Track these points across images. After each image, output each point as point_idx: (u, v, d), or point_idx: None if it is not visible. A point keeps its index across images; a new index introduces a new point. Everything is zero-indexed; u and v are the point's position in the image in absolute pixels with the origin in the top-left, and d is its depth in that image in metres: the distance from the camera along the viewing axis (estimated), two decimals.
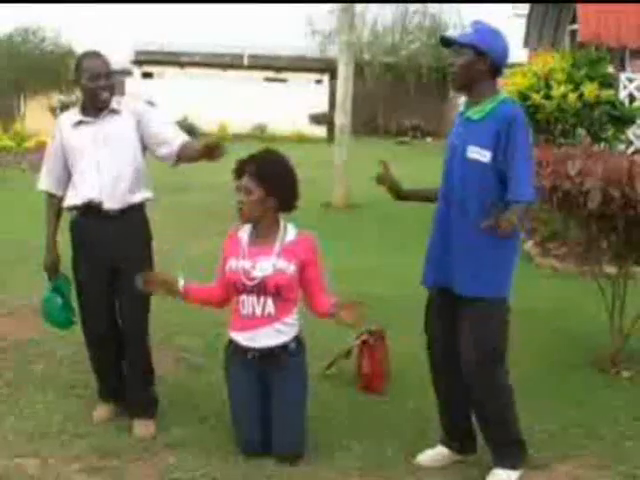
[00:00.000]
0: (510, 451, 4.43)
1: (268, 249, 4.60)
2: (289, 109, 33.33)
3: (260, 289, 4.56)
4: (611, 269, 6.48)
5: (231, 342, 4.76)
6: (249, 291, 4.58)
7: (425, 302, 4.65)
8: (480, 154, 4.18)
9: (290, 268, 4.56)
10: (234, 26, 61.41)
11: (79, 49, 36.68)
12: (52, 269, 5.10)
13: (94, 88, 4.84)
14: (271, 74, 37.49)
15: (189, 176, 18.68)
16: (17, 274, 8.56)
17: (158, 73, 37.73)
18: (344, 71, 15.28)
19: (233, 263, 4.63)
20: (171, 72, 37.19)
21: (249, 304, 4.61)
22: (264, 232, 4.64)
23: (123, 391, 5.08)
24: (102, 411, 5.11)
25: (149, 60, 37.98)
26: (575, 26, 17.63)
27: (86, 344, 5.14)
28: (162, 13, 69.84)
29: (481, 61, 4.23)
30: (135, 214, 4.97)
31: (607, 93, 12.14)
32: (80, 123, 4.91)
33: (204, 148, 4.76)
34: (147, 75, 38.19)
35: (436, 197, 4.55)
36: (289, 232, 4.65)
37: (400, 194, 4.81)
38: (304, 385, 4.75)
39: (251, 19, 65.43)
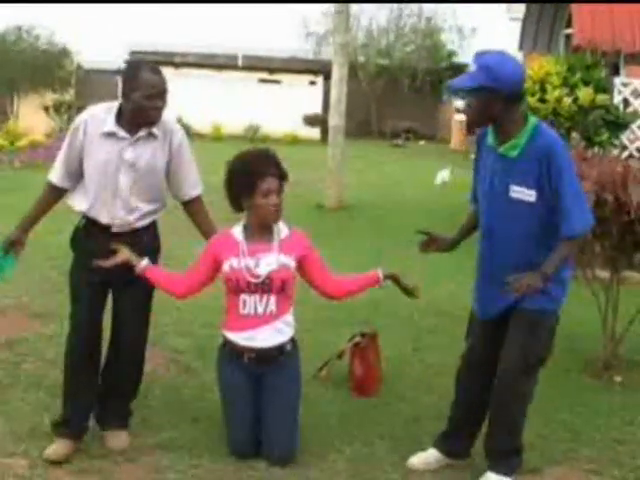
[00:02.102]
0: (509, 458, 4.42)
1: (268, 245, 4.61)
2: (283, 110, 33.33)
3: (265, 286, 4.56)
4: (604, 274, 6.47)
5: (225, 343, 4.74)
6: (252, 290, 4.57)
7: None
8: (525, 194, 4.09)
9: (292, 263, 4.60)
10: (228, 27, 61.44)
11: (73, 48, 36.80)
12: (6, 243, 4.75)
13: (148, 107, 4.45)
14: (265, 75, 37.50)
15: None
16: None
17: None
18: (338, 72, 15.25)
19: (234, 262, 4.59)
20: (165, 72, 36.96)
21: (251, 303, 4.60)
22: (259, 232, 4.63)
23: (86, 428, 4.78)
24: (59, 448, 4.61)
25: (144, 60, 37.97)
26: (570, 30, 17.65)
27: (65, 362, 4.81)
28: (156, 13, 69.77)
29: (497, 97, 4.04)
30: (144, 232, 4.75)
31: (602, 97, 12.16)
32: (112, 135, 4.53)
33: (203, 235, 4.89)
34: None
35: (475, 227, 4.58)
36: (282, 229, 4.67)
37: (452, 246, 4.77)
38: (298, 387, 4.75)
39: (245, 20, 65.41)
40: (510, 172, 4.15)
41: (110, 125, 4.52)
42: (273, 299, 4.57)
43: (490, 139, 4.27)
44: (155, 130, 4.56)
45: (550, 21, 19.21)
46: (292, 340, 4.72)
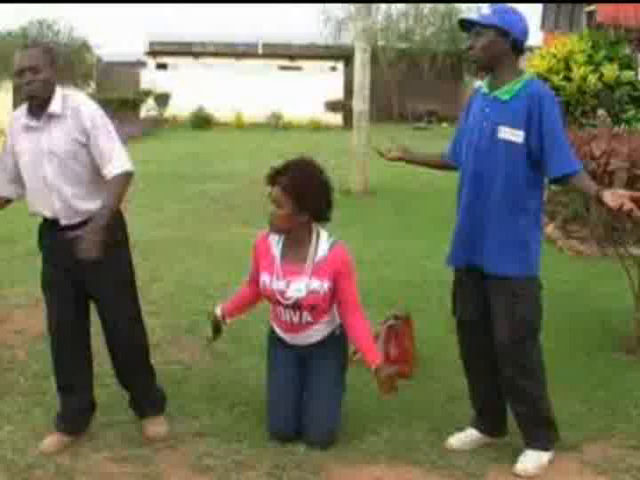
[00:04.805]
0: (541, 431, 4.43)
1: (300, 267, 4.53)
2: (304, 97, 33.38)
3: (296, 306, 4.58)
4: (637, 251, 6.44)
5: (273, 330, 4.85)
6: (285, 306, 4.60)
7: (450, 286, 4.63)
8: (513, 134, 4.17)
9: (324, 286, 4.52)
10: (248, 15, 61.42)
11: (93, 42, 36.97)
12: None
13: (21, 85, 4.35)
14: (286, 62, 37.50)
15: (207, 166, 18.78)
16: None
17: (172, 64, 37.84)
18: (361, 57, 15.24)
19: (267, 280, 4.60)
20: (185, 63, 37.26)
21: (286, 315, 4.66)
22: (296, 245, 4.56)
23: (82, 424, 4.75)
24: (52, 440, 4.62)
25: (163, 51, 38.09)
26: (592, 7, 17.51)
27: (51, 352, 4.75)
28: (176, 4, 69.79)
29: (503, 41, 4.21)
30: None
31: (627, 74, 12.08)
32: (28, 128, 4.44)
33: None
34: (161, 66, 38.29)
35: (435, 164, 4.81)
36: (321, 245, 4.55)
37: (401, 158, 4.90)
38: (341, 370, 4.80)
39: (264, 7, 65.33)
40: (501, 113, 4.23)
41: (24, 118, 4.47)
42: (306, 313, 4.60)
43: (484, 90, 4.38)
44: (57, 110, 4.38)
45: (572, 2, 19.08)
46: (340, 325, 4.75)
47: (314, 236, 4.55)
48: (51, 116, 4.39)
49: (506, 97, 4.24)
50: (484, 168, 4.27)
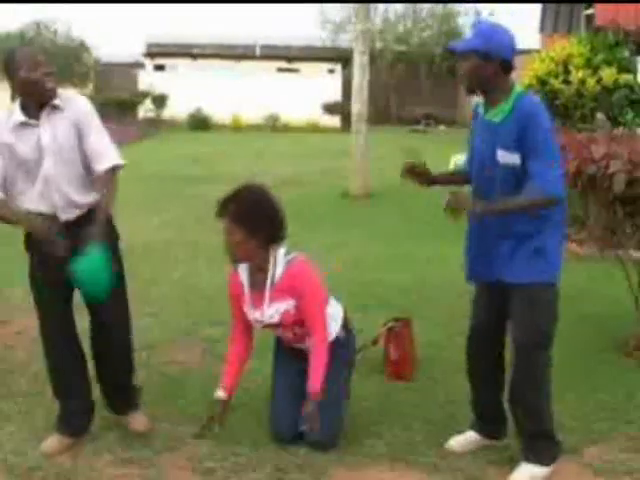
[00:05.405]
0: (541, 446, 4.37)
1: (263, 294, 4.59)
2: (302, 99, 33.40)
3: (279, 325, 4.66)
4: (636, 254, 6.45)
5: None
6: (273, 327, 4.70)
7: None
8: (510, 158, 4.13)
9: (291, 304, 4.57)
10: (246, 17, 61.47)
11: (91, 42, 36.94)
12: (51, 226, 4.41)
13: (38, 78, 4.34)
14: (283, 64, 37.51)
15: (206, 167, 18.78)
16: None
17: (170, 65, 37.83)
18: (360, 60, 15.25)
19: (245, 308, 4.68)
20: (183, 64, 37.26)
21: (278, 332, 4.77)
22: (257, 271, 4.60)
23: (83, 426, 4.77)
24: (53, 442, 4.64)
25: (161, 52, 38.09)
26: (590, 10, 17.54)
27: (46, 357, 4.75)
28: (174, 6, 69.85)
29: (487, 64, 4.14)
30: (92, 217, 4.47)
31: (626, 77, 12.10)
32: (24, 125, 4.41)
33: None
34: (159, 67, 38.29)
35: (465, 179, 4.63)
36: (278, 267, 4.56)
37: (430, 179, 4.75)
38: (344, 372, 4.82)
39: (262, 9, 65.37)
40: (496, 137, 4.20)
41: (17, 117, 4.42)
42: (297, 327, 4.64)
43: (480, 108, 4.38)
44: (59, 103, 4.42)
45: (570, 2, 19.10)
46: (344, 327, 4.81)
47: (272, 259, 4.57)
48: (54, 109, 4.41)
49: (498, 120, 4.20)
50: (490, 187, 4.26)
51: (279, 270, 4.55)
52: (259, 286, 4.60)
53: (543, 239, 4.19)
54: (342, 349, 4.77)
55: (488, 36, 4.14)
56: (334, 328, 4.74)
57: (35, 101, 4.41)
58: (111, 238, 4.56)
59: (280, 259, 4.56)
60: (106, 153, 4.47)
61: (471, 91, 4.32)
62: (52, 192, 4.43)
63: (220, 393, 4.68)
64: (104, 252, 4.27)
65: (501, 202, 4.14)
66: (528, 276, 4.20)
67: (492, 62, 4.13)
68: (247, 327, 4.77)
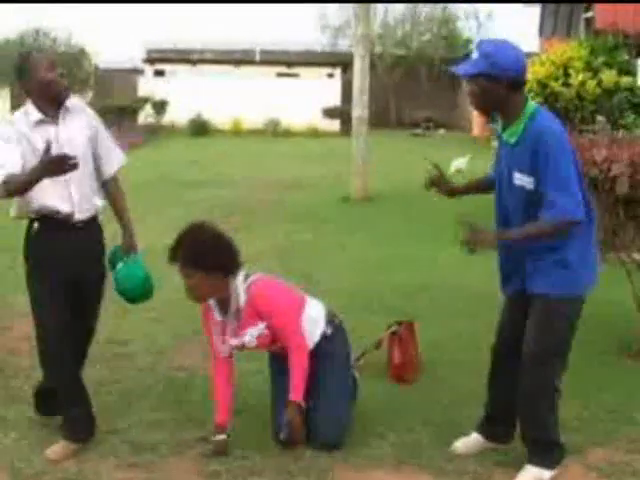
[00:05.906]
0: (546, 451, 4.38)
1: (232, 325, 4.67)
2: (302, 103, 33.38)
3: (260, 347, 4.76)
4: (638, 256, 6.46)
5: None
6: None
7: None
8: (524, 181, 4.09)
9: (262, 327, 4.63)
10: (245, 22, 61.54)
11: (91, 49, 36.95)
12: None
13: (54, 78, 4.49)
14: (283, 69, 37.53)
15: (207, 173, 18.79)
16: None
17: (170, 71, 37.85)
18: (360, 64, 15.27)
19: (220, 338, 4.73)
20: (183, 70, 37.29)
21: (266, 348, 4.86)
22: (224, 304, 4.66)
23: (87, 430, 4.74)
24: (58, 448, 4.63)
25: (161, 58, 38.12)
26: (590, 14, 17.56)
27: (49, 367, 4.74)
28: (173, 11, 69.94)
29: (495, 85, 4.03)
30: (95, 222, 4.73)
31: (626, 80, 12.12)
32: (41, 122, 4.49)
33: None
34: (159, 73, 38.32)
35: (486, 186, 4.63)
36: (240, 294, 4.61)
37: (455, 191, 4.76)
38: (345, 371, 4.85)
39: (262, 14, 65.48)
40: (511, 159, 4.16)
41: (33, 116, 4.49)
42: (278, 343, 4.70)
43: (499, 127, 4.28)
44: (72, 104, 4.60)
45: (569, 6, 19.13)
46: (330, 322, 4.84)
47: (233, 288, 4.60)
48: (67, 109, 4.55)
49: (513, 140, 4.14)
50: (509, 206, 4.25)
51: (242, 298, 4.61)
52: (229, 316, 4.66)
53: (564, 252, 4.12)
54: (332, 344, 4.79)
55: (492, 56, 4.01)
56: (319, 329, 4.78)
57: (51, 101, 4.52)
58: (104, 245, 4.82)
59: (240, 287, 4.61)
60: (115, 155, 4.81)
61: (485, 113, 4.28)
62: (70, 188, 4.51)
63: (220, 437, 4.66)
64: (141, 261, 4.93)
65: (520, 231, 4.11)
66: (545, 287, 4.17)
67: (500, 82, 4.02)
68: (224, 354, 4.82)
